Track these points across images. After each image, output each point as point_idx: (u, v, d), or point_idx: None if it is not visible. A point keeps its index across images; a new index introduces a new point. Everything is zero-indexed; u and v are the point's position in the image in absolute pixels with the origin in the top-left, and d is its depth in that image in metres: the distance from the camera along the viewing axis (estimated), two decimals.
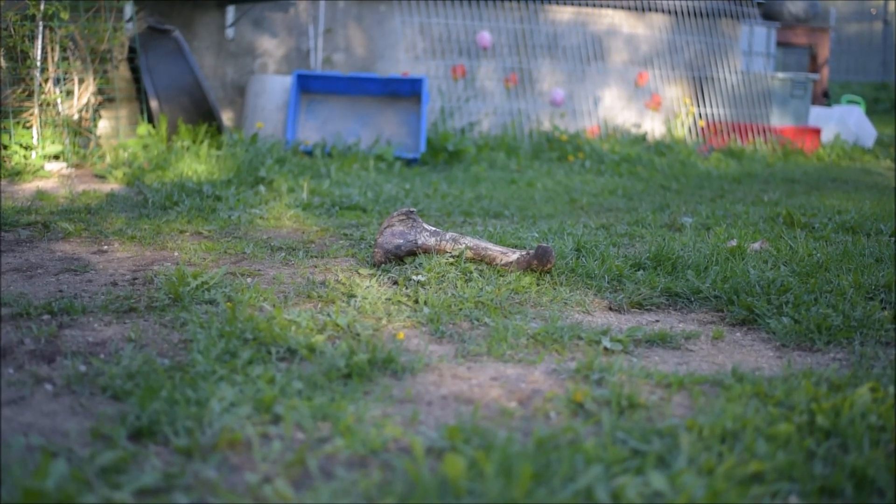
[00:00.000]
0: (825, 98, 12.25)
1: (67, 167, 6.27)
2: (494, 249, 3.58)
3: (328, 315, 2.91)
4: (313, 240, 4.25)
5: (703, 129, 10.14)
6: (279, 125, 7.76)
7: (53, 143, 6.30)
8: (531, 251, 3.52)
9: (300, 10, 8.53)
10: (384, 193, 5.67)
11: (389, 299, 3.18)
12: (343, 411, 2.15)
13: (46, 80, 6.37)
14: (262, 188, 5.52)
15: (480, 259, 3.58)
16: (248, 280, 3.41)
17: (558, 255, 3.75)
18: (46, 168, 6.13)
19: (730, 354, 2.80)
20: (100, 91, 6.72)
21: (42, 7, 6.27)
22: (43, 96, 6.34)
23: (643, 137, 9.59)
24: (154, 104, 6.81)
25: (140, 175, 5.85)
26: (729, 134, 9.97)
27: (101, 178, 6.01)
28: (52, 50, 6.37)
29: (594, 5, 9.84)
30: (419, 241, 3.61)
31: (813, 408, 2.14)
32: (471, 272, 3.47)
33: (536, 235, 4.31)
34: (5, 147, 6.14)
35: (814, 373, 2.47)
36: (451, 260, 3.54)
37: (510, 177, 6.98)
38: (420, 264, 3.51)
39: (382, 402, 2.28)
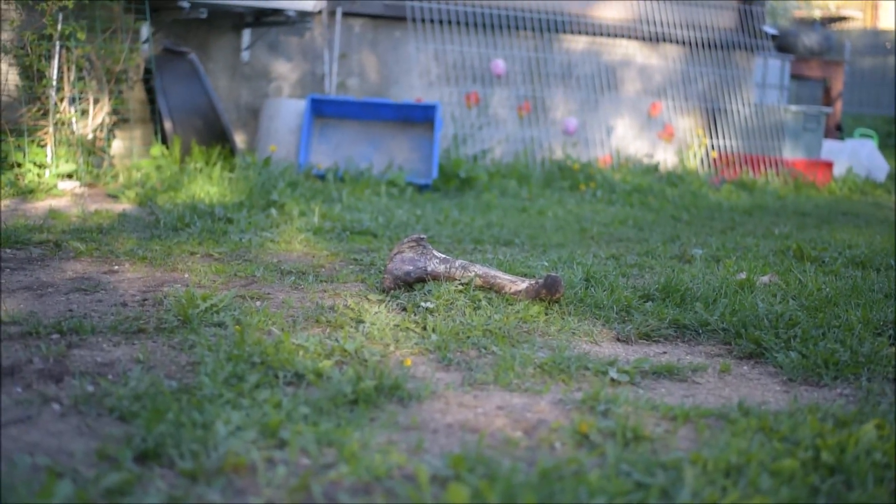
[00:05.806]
0: (838, 131, 12.26)
1: (80, 186, 6.30)
2: (503, 278, 3.59)
3: (336, 340, 2.91)
4: (323, 264, 4.26)
5: (715, 160, 10.15)
6: (292, 148, 7.79)
7: (67, 161, 6.34)
8: (540, 280, 3.52)
9: (316, 35, 8.58)
10: (395, 219, 5.68)
11: (398, 325, 3.18)
12: (348, 437, 2.15)
13: (62, 100, 6.42)
14: (273, 211, 5.54)
15: (489, 287, 3.59)
16: (258, 303, 3.42)
17: (567, 285, 3.75)
18: (59, 187, 6.16)
19: (736, 388, 2.80)
20: (114, 111, 6.77)
21: (59, 27, 6.33)
22: (58, 115, 6.38)
23: (655, 168, 9.59)
24: (168, 125, 6.85)
25: (152, 196, 5.87)
26: (741, 166, 9.97)
27: (114, 197, 6.04)
28: (69, 69, 6.42)
29: (609, 35, 9.88)
30: (429, 268, 3.62)
31: (818, 444, 2.14)
32: (479, 300, 3.48)
33: (546, 264, 4.31)
34: (19, 165, 6.19)
35: (820, 408, 2.47)
36: (461, 287, 3.54)
37: (521, 205, 6.99)
38: (429, 291, 3.51)
39: (388, 428, 2.28)
